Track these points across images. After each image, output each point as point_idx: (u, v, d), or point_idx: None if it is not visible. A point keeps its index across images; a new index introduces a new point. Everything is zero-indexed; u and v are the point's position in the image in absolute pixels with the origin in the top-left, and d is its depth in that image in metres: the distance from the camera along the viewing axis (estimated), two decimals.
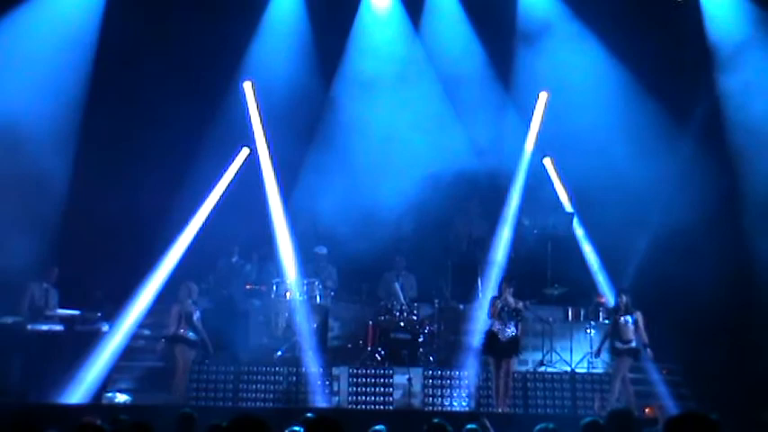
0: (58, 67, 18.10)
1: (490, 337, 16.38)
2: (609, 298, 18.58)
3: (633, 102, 19.31)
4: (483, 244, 19.81)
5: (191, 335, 16.77)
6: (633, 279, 18.52)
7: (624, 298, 16.72)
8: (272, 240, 19.29)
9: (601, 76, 19.49)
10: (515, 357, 16.61)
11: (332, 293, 18.93)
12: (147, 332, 18.51)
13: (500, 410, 16.27)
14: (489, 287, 18.20)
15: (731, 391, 16.43)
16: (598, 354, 17.36)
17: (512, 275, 17.38)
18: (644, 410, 16.41)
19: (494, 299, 16.57)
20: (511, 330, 16.31)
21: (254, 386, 17.09)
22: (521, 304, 16.54)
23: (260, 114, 20.00)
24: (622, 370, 16.49)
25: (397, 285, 19.08)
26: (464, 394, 17.09)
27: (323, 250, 19.27)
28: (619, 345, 16.56)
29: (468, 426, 11.36)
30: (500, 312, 16.30)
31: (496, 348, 16.33)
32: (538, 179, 20.28)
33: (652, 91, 19.11)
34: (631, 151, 18.99)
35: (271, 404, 16.78)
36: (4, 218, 16.96)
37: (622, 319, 16.52)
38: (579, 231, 19.94)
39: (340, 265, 19.28)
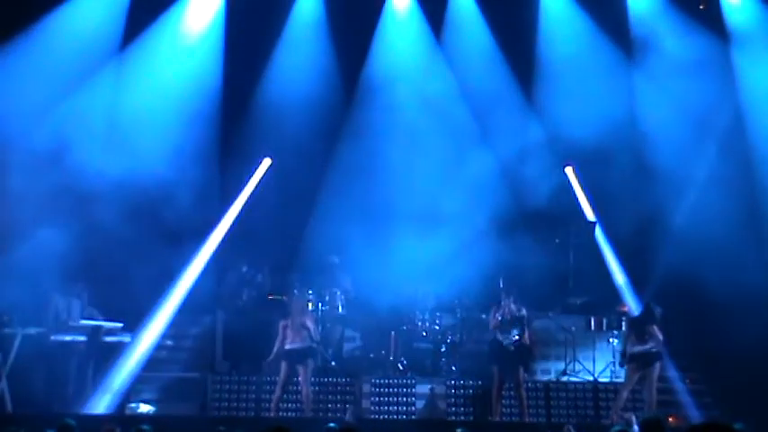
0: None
1: (494, 345, 16.33)
2: (632, 307, 18.49)
3: (653, 107, 19.27)
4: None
5: (296, 346, 16.55)
6: (657, 287, 18.42)
7: (653, 309, 16.62)
8: (293, 250, 19.32)
9: (621, 83, 19.46)
10: (521, 367, 16.44)
11: (348, 302, 18.90)
12: (170, 343, 18.56)
13: (497, 419, 16.28)
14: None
15: (759, 400, 16.30)
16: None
17: (511, 284, 17.32)
18: (667, 419, 16.33)
19: (495, 309, 16.49)
20: (515, 338, 16.21)
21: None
22: (523, 311, 16.44)
23: (282, 124, 20.02)
24: (634, 377, 16.39)
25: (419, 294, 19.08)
26: (486, 404, 17.05)
27: (335, 259, 19.25)
28: (635, 351, 16.42)
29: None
30: (501, 323, 16.24)
31: (501, 357, 16.27)
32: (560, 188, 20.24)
33: (672, 95, 19.03)
34: (654, 158, 18.97)
35: (293, 414, 16.78)
36: (28, 230, 17.12)
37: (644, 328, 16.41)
38: (602, 240, 19.85)
39: (362, 275, 19.24)
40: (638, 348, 16.29)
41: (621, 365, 16.98)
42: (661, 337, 16.32)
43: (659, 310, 16.61)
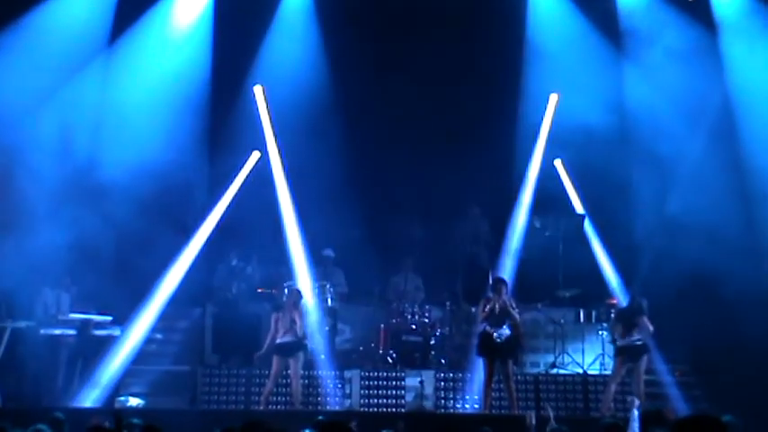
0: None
1: (484, 337, 16.27)
2: (621, 299, 18.51)
3: (643, 97, 19.27)
4: (489, 245, 19.82)
5: (287, 339, 16.42)
6: (646, 279, 18.44)
7: (640, 300, 16.62)
8: (283, 243, 19.30)
9: (609, 76, 19.47)
10: (510, 360, 16.35)
11: (339, 296, 18.92)
12: (159, 336, 18.55)
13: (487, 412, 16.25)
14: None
15: (751, 393, 16.32)
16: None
17: (502, 276, 17.34)
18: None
19: (484, 301, 16.47)
20: (505, 331, 16.18)
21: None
22: (513, 303, 16.42)
23: (270, 117, 20.01)
24: (622, 370, 16.42)
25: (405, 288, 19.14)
26: (476, 396, 17.06)
27: (330, 253, 19.25)
28: (622, 344, 16.45)
29: (483, 428, 11.42)
30: (490, 314, 16.19)
31: (490, 349, 16.18)
32: (549, 180, 20.25)
33: (662, 85, 19.02)
34: (645, 148, 19.01)
35: (283, 407, 16.78)
36: (18, 223, 17.07)
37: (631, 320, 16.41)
38: (591, 233, 19.86)
39: (351, 268, 19.27)
40: (624, 341, 16.30)
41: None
42: (651, 328, 16.32)
43: (645, 301, 16.62)
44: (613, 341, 16.71)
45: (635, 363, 16.23)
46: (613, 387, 16.34)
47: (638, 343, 16.22)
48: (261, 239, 19.43)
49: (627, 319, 16.45)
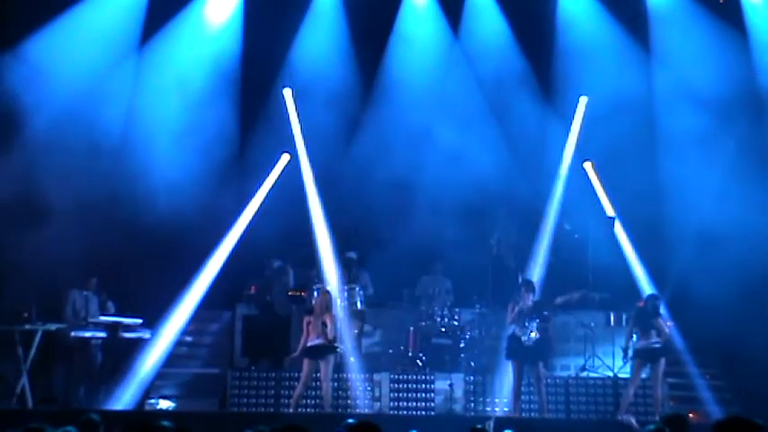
0: None
1: (512, 340, 16.26)
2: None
3: (673, 105, 19.17)
4: (516, 249, 19.78)
5: (318, 342, 16.26)
6: (675, 283, 18.35)
7: (654, 302, 16.49)
8: (312, 246, 19.30)
9: (639, 80, 19.39)
10: (540, 363, 16.30)
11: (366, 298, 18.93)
12: (189, 339, 18.61)
13: (516, 415, 16.21)
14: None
15: None
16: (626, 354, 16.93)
17: (530, 279, 17.32)
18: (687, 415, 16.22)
19: (512, 304, 16.43)
20: (534, 334, 16.14)
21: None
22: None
23: (300, 120, 20.04)
24: (640, 373, 16.31)
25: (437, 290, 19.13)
26: (505, 399, 17.01)
27: (353, 255, 19.22)
28: (639, 346, 16.34)
29: (506, 431, 11.40)
30: (518, 316, 16.16)
31: (518, 352, 16.19)
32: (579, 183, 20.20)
33: (690, 86, 18.91)
34: (673, 155, 18.91)
35: (312, 410, 16.79)
36: (47, 224, 17.14)
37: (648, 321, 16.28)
38: (621, 236, 19.78)
39: (380, 270, 19.23)
40: (642, 343, 16.18)
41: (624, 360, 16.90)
42: (668, 330, 16.24)
43: (660, 302, 16.53)
44: (626, 346, 16.59)
45: (653, 365, 16.11)
46: (632, 390, 16.22)
47: (656, 345, 16.07)
48: (290, 242, 19.48)
49: (644, 321, 16.30)
